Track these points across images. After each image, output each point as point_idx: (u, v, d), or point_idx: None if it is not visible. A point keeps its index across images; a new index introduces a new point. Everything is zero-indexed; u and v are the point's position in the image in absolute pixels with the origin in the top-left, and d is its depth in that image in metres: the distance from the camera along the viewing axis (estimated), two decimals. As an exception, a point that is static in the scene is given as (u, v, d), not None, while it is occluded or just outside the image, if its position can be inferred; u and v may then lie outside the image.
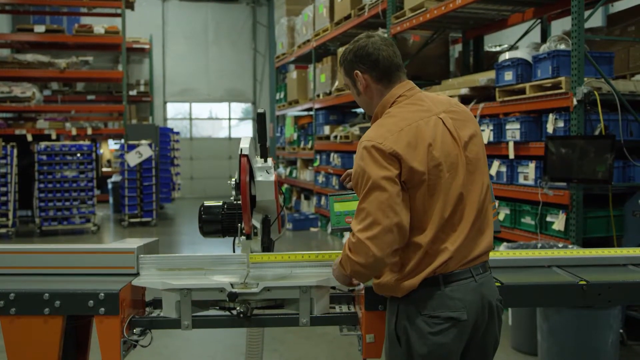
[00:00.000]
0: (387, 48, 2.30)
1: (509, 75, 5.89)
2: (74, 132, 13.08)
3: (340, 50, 10.16)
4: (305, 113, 13.74)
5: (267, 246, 2.71)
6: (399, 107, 2.25)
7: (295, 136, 13.89)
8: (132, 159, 12.17)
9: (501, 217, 5.90)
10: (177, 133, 15.72)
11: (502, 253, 2.84)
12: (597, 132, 5.06)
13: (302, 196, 13.52)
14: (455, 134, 2.19)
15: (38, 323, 2.32)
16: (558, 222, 5.26)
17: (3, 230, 10.87)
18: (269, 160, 2.67)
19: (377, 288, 2.25)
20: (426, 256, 2.12)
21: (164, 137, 13.68)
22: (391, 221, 2.06)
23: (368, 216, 2.08)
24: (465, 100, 6.76)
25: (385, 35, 8.51)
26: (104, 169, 17.96)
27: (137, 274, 2.60)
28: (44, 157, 11.25)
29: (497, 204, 2.61)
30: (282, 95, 14.45)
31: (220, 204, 2.73)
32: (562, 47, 5.43)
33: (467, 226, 2.17)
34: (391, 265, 2.18)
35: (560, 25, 8.41)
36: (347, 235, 10.12)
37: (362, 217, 2.10)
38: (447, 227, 2.14)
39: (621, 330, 4.62)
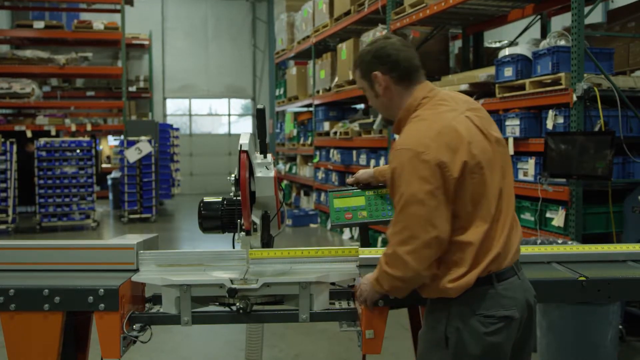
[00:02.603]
0: (406, 49, 2.27)
1: (508, 71, 5.88)
2: (73, 128, 13.06)
3: (340, 46, 10.15)
4: (305, 109, 13.73)
5: (267, 242, 2.71)
6: (426, 109, 2.20)
7: (294, 132, 13.88)
8: (132, 155, 12.17)
9: (501, 213, 5.89)
10: (177, 129, 15.73)
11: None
12: (596, 128, 5.05)
13: (302, 192, 13.52)
14: (485, 131, 2.18)
15: (38, 319, 2.33)
16: (557, 218, 5.26)
17: (3, 227, 10.89)
18: (269, 156, 2.68)
19: (425, 291, 2.20)
20: (479, 254, 2.10)
21: (163, 133, 13.67)
22: (430, 235, 2.03)
23: (406, 230, 2.05)
24: (465, 96, 6.74)
25: (385, 31, 8.50)
26: (104, 165, 17.96)
27: (136, 270, 2.61)
28: (44, 154, 11.24)
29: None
30: (281, 92, 14.44)
31: (220, 200, 2.73)
32: (562, 43, 5.42)
33: (508, 221, 2.17)
34: (442, 266, 2.14)
35: (560, 21, 8.42)
36: (346, 231, 10.17)
37: (399, 230, 2.07)
38: (493, 224, 2.13)
39: (620, 326, 4.62)
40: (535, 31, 8.28)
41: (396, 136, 2.30)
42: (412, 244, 2.04)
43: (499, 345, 2.11)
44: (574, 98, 5.01)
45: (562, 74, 5.16)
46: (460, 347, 2.11)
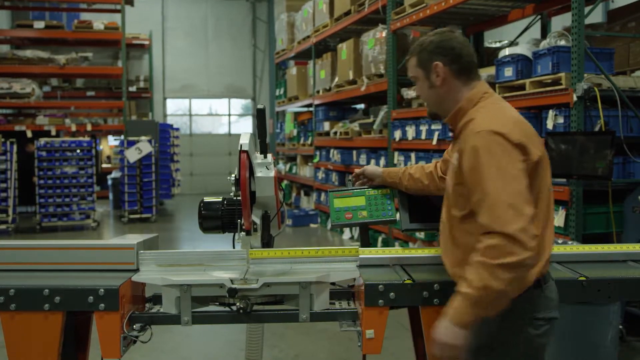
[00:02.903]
0: (468, 45, 2.27)
1: (509, 71, 5.88)
2: (73, 128, 13.07)
3: (340, 46, 10.15)
4: (305, 109, 13.73)
5: (267, 242, 2.71)
6: (488, 103, 2.20)
7: (295, 132, 13.88)
8: (132, 155, 12.17)
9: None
10: (177, 129, 15.74)
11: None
12: (597, 128, 5.05)
13: (302, 192, 13.52)
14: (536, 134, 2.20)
15: (38, 319, 2.33)
16: (558, 218, 5.26)
17: (3, 227, 10.89)
18: (269, 156, 2.67)
19: None
20: (539, 251, 2.04)
21: (163, 133, 13.68)
22: (530, 210, 1.95)
23: (510, 208, 1.92)
24: (465, 96, 6.74)
25: (385, 31, 8.50)
26: (104, 165, 17.98)
27: (137, 270, 2.60)
28: (44, 154, 11.25)
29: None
30: (281, 92, 14.45)
31: (220, 199, 2.73)
32: (562, 43, 5.42)
33: (553, 220, 2.18)
34: None
35: (561, 21, 8.41)
36: (347, 231, 10.16)
37: (502, 211, 1.93)
38: (546, 223, 2.14)
39: (620, 326, 4.62)
40: (536, 31, 8.28)
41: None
42: (521, 220, 1.91)
43: (544, 346, 2.12)
44: (574, 98, 5.01)
45: (562, 74, 5.16)
46: (512, 349, 2.09)
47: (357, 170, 2.96)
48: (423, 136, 7.46)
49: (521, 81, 5.70)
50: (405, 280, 2.36)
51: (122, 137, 13.17)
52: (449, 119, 2.28)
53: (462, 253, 2.16)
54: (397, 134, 8.14)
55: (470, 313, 1.97)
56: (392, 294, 2.32)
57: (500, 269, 1.90)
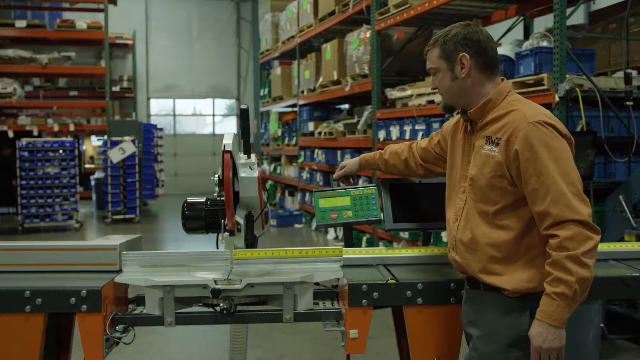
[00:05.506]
0: (492, 40, 2.25)
1: (492, 72, 5.90)
2: (56, 128, 12.95)
3: (325, 46, 10.16)
4: (290, 109, 13.73)
5: (251, 242, 2.71)
6: (517, 97, 2.23)
7: (279, 132, 13.88)
8: (115, 155, 12.09)
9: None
10: (161, 129, 15.66)
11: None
12: (578, 129, 5.10)
13: (287, 192, 13.52)
14: None
15: (19, 321, 2.30)
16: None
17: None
18: (252, 156, 2.67)
19: (507, 285, 2.12)
20: None
21: (147, 134, 13.62)
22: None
23: (577, 195, 2.00)
24: (448, 96, 6.78)
25: (369, 32, 8.52)
26: (87, 166, 17.83)
27: (119, 271, 2.59)
28: (26, 154, 11.14)
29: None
30: (266, 92, 14.43)
31: (204, 200, 2.73)
32: (545, 44, 5.47)
33: None
34: (536, 259, 2.11)
35: (543, 22, 8.48)
36: (331, 231, 10.16)
37: (570, 200, 1.98)
38: None
39: (602, 325, 4.66)
40: (518, 32, 8.34)
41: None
42: (587, 205, 2.01)
43: None
44: (557, 98, 5.05)
45: (544, 75, 5.20)
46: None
47: (339, 172, 2.95)
48: (407, 136, 7.48)
49: (504, 82, 5.73)
50: (388, 280, 2.37)
51: (106, 137, 13.08)
52: (476, 111, 2.22)
53: (493, 250, 2.14)
54: (381, 134, 8.16)
55: (569, 310, 2.02)
56: (375, 293, 2.33)
57: (586, 256, 1.96)
